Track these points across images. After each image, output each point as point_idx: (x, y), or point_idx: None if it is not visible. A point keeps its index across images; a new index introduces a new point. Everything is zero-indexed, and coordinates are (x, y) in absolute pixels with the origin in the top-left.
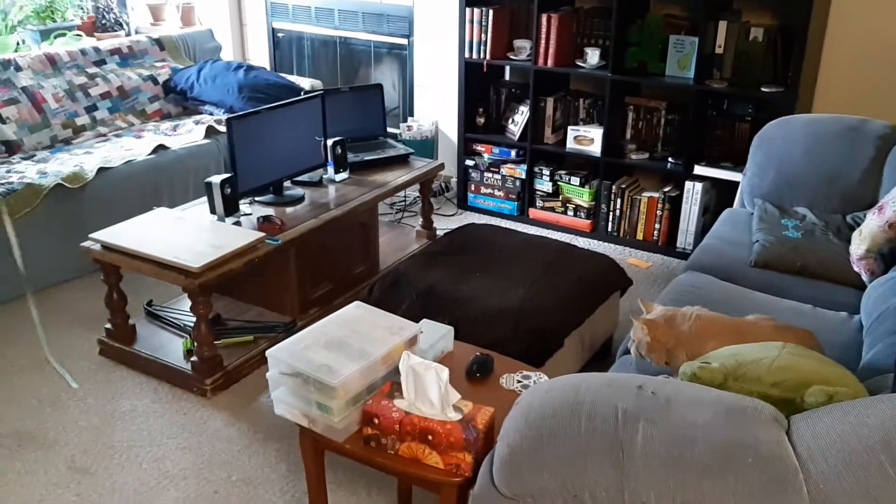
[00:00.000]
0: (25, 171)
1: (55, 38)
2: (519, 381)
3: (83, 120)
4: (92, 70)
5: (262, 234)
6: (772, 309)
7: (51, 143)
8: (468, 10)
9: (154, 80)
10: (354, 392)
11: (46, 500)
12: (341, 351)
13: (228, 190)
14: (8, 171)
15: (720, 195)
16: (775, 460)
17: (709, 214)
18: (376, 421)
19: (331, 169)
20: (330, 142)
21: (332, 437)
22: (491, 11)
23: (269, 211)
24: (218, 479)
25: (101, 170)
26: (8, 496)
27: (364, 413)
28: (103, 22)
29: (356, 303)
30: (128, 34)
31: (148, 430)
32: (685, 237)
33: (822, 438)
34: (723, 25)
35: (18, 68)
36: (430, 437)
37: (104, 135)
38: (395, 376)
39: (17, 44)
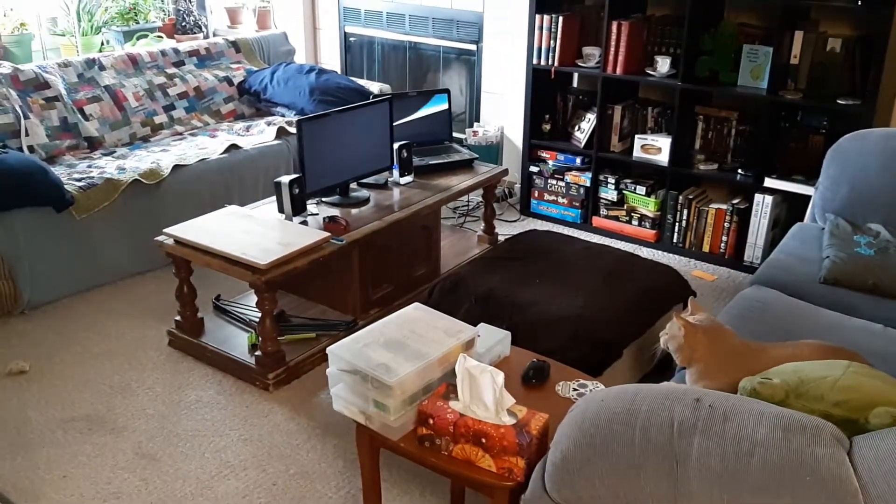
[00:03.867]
0: (105, 167)
1: (137, 38)
2: (575, 390)
3: (161, 118)
4: (171, 70)
5: (328, 233)
6: (839, 327)
7: (130, 140)
8: (538, 16)
9: (229, 81)
10: (411, 392)
11: (114, 482)
12: (399, 351)
13: (297, 190)
14: (89, 167)
15: (791, 209)
16: (835, 480)
17: (778, 228)
18: (431, 421)
19: (396, 172)
20: (396, 145)
21: (387, 435)
22: (561, 18)
23: (335, 211)
24: (276, 471)
25: (176, 167)
26: (78, 478)
27: (419, 413)
28: (183, 24)
29: (415, 304)
30: (206, 36)
31: (211, 421)
32: (753, 251)
33: (886, 461)
34: (799, 35)
35: (102, 67)
36: (483, 441)
37: (180, 133)
38: (452, 378)
39: (102, 44)
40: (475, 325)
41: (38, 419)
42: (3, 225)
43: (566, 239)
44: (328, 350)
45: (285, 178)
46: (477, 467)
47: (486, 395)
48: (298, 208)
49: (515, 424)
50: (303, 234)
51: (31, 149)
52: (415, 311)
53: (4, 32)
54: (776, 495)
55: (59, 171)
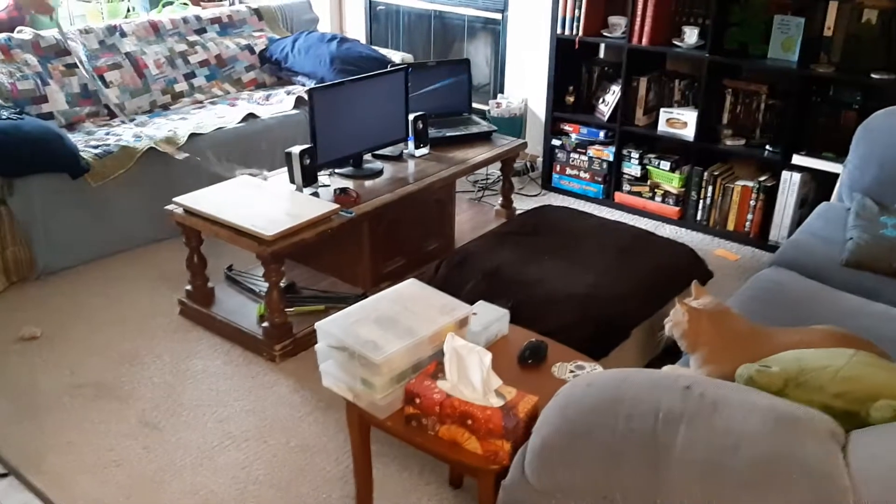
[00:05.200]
0: (123, 134)
1: (163, 6)
2: (571, 371)
3: (182, 86)
4: (192, 38)
5: (336, 205)
6: (858, 312)
7: (150, 107)
8: None
9: (251, 49)
10: (399, 370)
11: (116, 449)
12: (390, 328)
13: (308, 161)
14: (107, 134)
15: (820, 188)
16: (824, 478)
17: (806, 208)
18: (417, 401)
19: (411, 144)
20: (411, 116)
21: (374, 413)
22: None
23: (348, 183)
24: (277, 443)
25: (192, 135)
26: (81, 444)
27: (406, 392)
28: None
29: (411, 280)
30: (232, 3)
31: (216, 391)
32: (779, 230)
33: (881, 461)
34: (833, 6)
35: (123, 34)
36: (469, 422)
37: (200, 102)
38: (443, 357)
39: (128, 11)
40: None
41: (47, 384)
42: (18, 191)
43: (581, 215)
44: (316, 325)
45: (296, 149)
46: (463, 449)
47: (473, 375)
48: (309, 179)
49: (503, 406)
50: (311, 205)
51: (50, 115)
52: (411, 287)
53: None
54: (760, 492)
55: (77, 137)
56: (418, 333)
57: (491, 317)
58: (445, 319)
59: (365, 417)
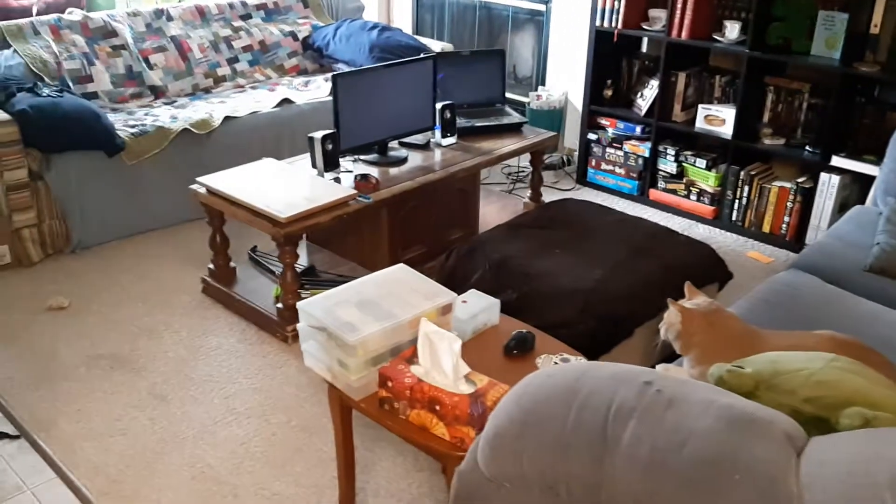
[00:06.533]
0: (160, 115)
1: None
2: (555, 363)
3: (224, 71)
4: (237, 23)
5: (354, 191)
6: (874, 319)
7: (192, 90)
8: None
9: (294, 36)
10: (375, 353)
11: (122, 419)
12: (370, 311)
13: (330, 146)
14: (146, 114)
15: (862, 191)
16: (769, 482)
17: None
18: (390, 384)
19: (438, 133)
20: (439, 105)
21: (349, 395)
22: None
23: (373, 170)
24: (279, 421)
25: (227, 118)
26: (91, 412)
27: (380, 375)
28: None
29: (400, 265)
30: None
31: (227, 368)
32: (815, 234)
33: (829, 466)
34: (881, 2)
35: (170, 18)
36: (437, 408)
37: (242, 86)
38: None
39: None
40: (488, 291)
41: (67, 353)
42: (56, 167)
43: (601, 209)
44: (298, 305)
45: (318, 134)
46: (431, 434)
47: (444, 361)
48: (331, 164)
49: (472, 394)
50: (329, 189)
51: (94, 95)
52: (398, 272)
53: None
54: (701, 491)
55: (118, 117)
56: (398, 317)
57: (479, 306)
58: (427, 305)
59: (344, 399)
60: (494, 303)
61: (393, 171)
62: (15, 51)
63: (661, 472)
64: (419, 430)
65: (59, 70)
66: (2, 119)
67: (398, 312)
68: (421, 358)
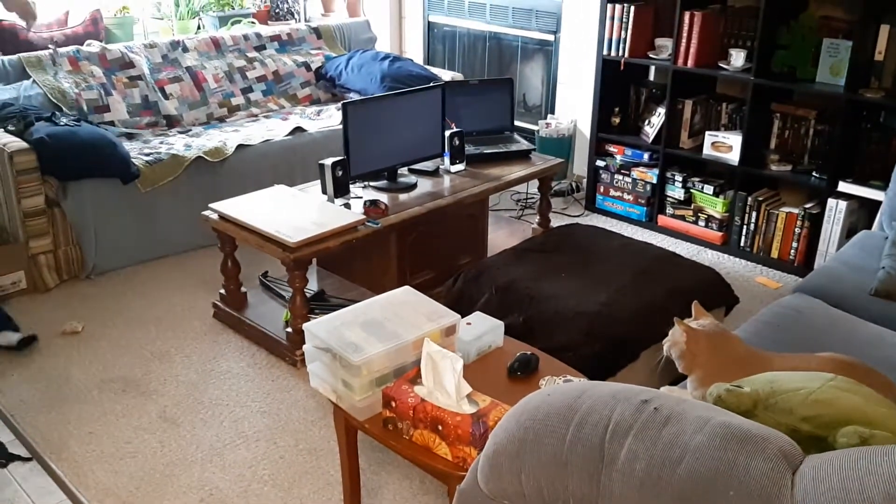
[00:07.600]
0: (175, 144)
1: (232, 24)
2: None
3: (238, 100)
4: (252, 54)
5: (364, 216)
6: (878, 343)
7: (207, 119)
8: (609, 6)
9: (308, 66)
10: (380, 373)
11: (133, 442)
12: (374, 332)
13: (340, 172)
14: (161, 143)
15: (870, 217)
16: (764, 498)
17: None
18: (393, 404)
19: (447, 159)
20: (447, 133)
21: (354, 415)
22: (633, 8)
23: (382, 196)
24: (286, 445)
25: (240, 146)
26: (102, 435)
27: (384, 395)
28: (276, 11)
29: (405, 287)
30: (296, 21)
31: (236, 392)
32: (824, 259)
33: (823, 482)
34: (885, 30)
35: (186, 49)
36: (440, 428)
37: (255, 115)
38: None
39: (198, 27)
40: (494, 315)
41: (79, 377)
42: (72, 194)
43: (607, 234)
44: (304, 326)
45: (328, 160)
46: (434, 454)
47: (446, 381)
48: (341, 190)
49: (474, 414)
50: (338, 215)
51: (111, 124)
52: (403, 294)
53: (107, 15)
54: None
55: (134, 146)
56: (402, 338)
57: (484, 328)
58: (431, 326)
59: (349, 419)
60: (498, 325)
61: (402, 196)
62: (34, 81)
63: (656, 488)
64: (422, 450)
65: (78, 100)
66: (20, 147)
67: (402, 333)
68: (424, 378)
